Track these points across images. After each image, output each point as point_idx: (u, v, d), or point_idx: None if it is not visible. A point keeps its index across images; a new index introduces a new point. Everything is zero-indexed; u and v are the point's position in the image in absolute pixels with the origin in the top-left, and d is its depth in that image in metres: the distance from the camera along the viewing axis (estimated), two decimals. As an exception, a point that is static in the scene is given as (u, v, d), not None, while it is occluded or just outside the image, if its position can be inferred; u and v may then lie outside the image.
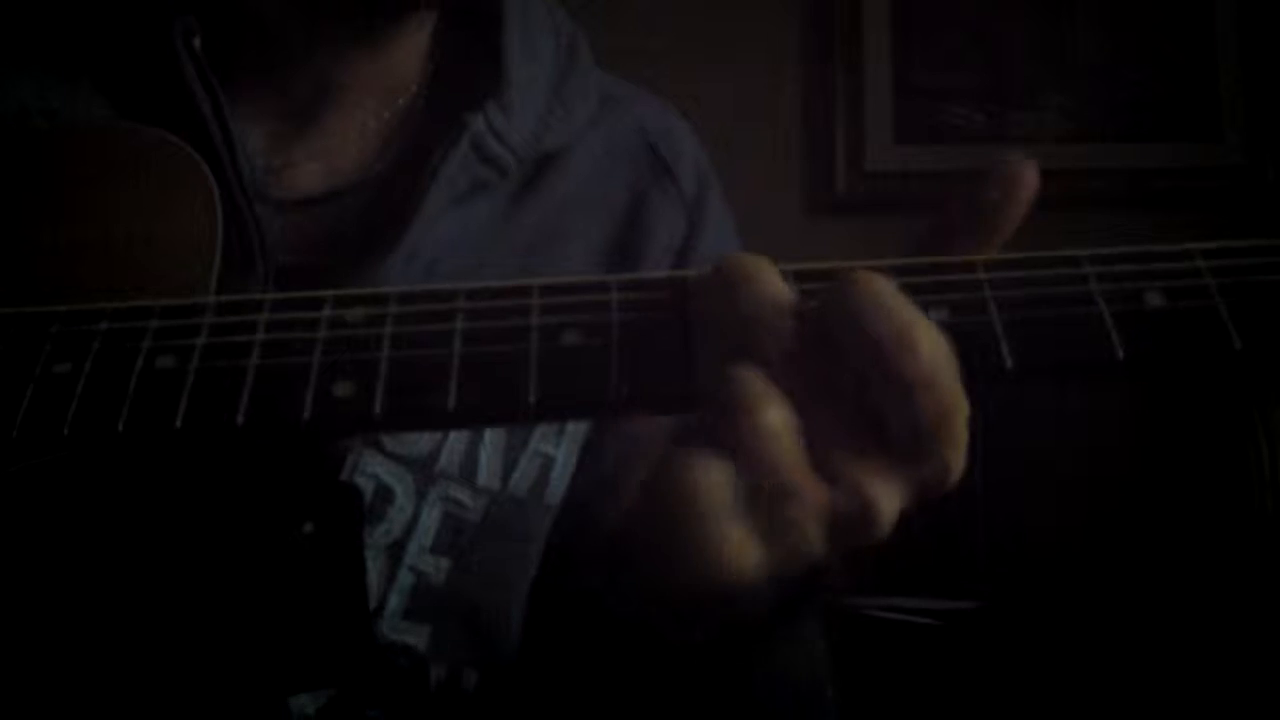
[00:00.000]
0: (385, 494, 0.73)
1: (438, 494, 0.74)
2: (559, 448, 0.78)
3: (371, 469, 0.72)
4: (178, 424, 0.50)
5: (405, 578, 0.74)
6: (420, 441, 0.73)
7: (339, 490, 0.61)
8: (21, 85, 0.72)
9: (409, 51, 0.80)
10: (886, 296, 0.48)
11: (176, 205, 0.64)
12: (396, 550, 0.73)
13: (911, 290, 0.49)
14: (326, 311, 0.52)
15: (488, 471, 0.76)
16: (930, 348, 0.47)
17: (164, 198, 0.64)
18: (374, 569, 0.72)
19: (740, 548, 0.47)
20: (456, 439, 0.74)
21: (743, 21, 2.20)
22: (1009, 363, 0.49)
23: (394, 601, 0.73)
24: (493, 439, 0.76)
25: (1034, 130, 2.16)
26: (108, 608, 0.56)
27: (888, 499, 0.48)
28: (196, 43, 0.73)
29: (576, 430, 0.79)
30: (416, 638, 0.75)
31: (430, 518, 0.74)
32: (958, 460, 0.48)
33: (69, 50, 0.74)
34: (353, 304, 0.52)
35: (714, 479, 0.47)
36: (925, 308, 0.49)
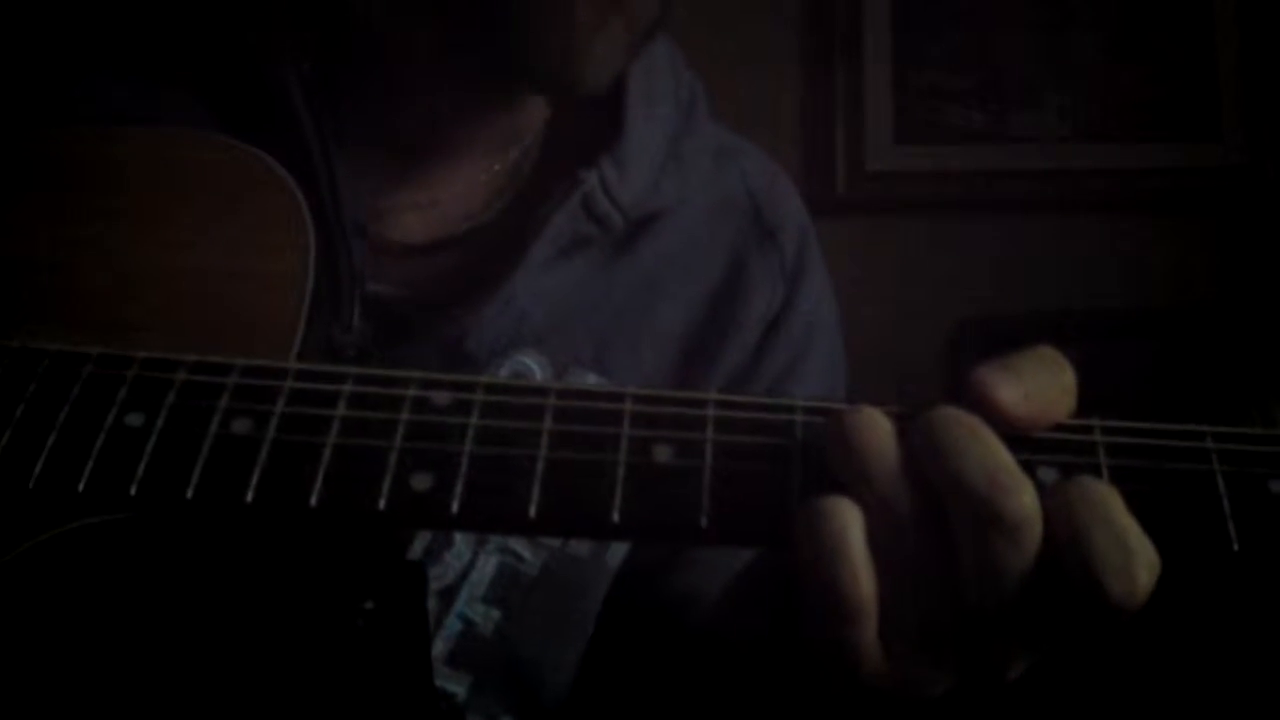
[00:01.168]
0: (444, 539, 0.72)
1: (496, 544, 0.73)
2: None
3: None
4: (248, 499, 0.49)
5: (453, 624, 0.73)
6: None
7: (404, 568, 0.59)
8: (119, 91, 0.69)
9: (528, 111, 0.78)
10: (990, 444, 0.45)
11: (267, 236, 0.61)
12: (449, 595, 0.72)
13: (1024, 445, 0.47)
14: (411, 391, 0.50)
15: None
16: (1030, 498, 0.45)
17: (254, 226, 0.61)
18: None
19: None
20: None
21: (743, 22, 2.18)
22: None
23: (439, 647, 0.73)
24: None
25: (1034, 130, 2.16)
26: (166, 678, 0.55)
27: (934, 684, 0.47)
28: (306, 67, 0.70)
29: None
30: (457, 685, 0.74)
31: (487, 567, 0.73)
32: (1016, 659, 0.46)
33: (174, 59, 0.71)
34: (440, 387, 0.51)
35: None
36: (1033, 466, 0.46)
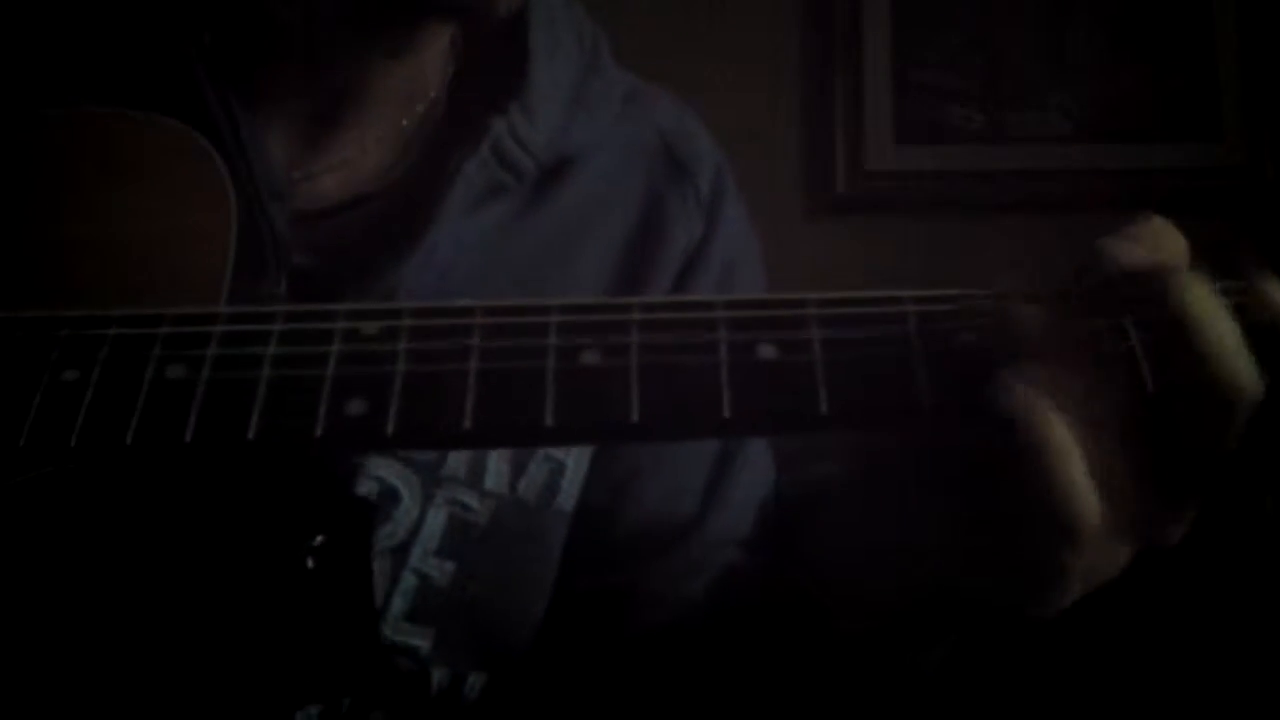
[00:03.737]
0: (391, 496, 0.72)
1: (444, 497, 0.74)
2: (569, 453, 0.78)
3: (378, 471, 0.72)
4: (187, 437, 0.50)
5: (409, 580, 0.74)
6: None
7: (351, 503, 0.60)
8: (32, 91, 0.70)
9: (430, 57, 0.79)
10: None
11: (189, 202, 0.63)
12: (401, 553, 0.73)
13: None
14: (341, 324, 0.52)
15: (496, 476, 0.75)
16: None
17: (176, 194, 0.63)
18: (378, 571, 0.72)
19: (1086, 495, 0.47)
20: None
21: (743, 22, 2.19)
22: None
23: (397, 604, 0.73)
24: None
25: (1034, 130, 2.16)
26: (114, 619, 0.55)
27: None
28: (206, 38, 0.71)
29: None
30: (420, 640, 0.75)
31: (436, 520, 0.74)
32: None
33: (80, 55, 0.72)
34: (367, 317, 0.52)
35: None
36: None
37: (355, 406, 0.49)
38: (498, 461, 0.75)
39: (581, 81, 0.81)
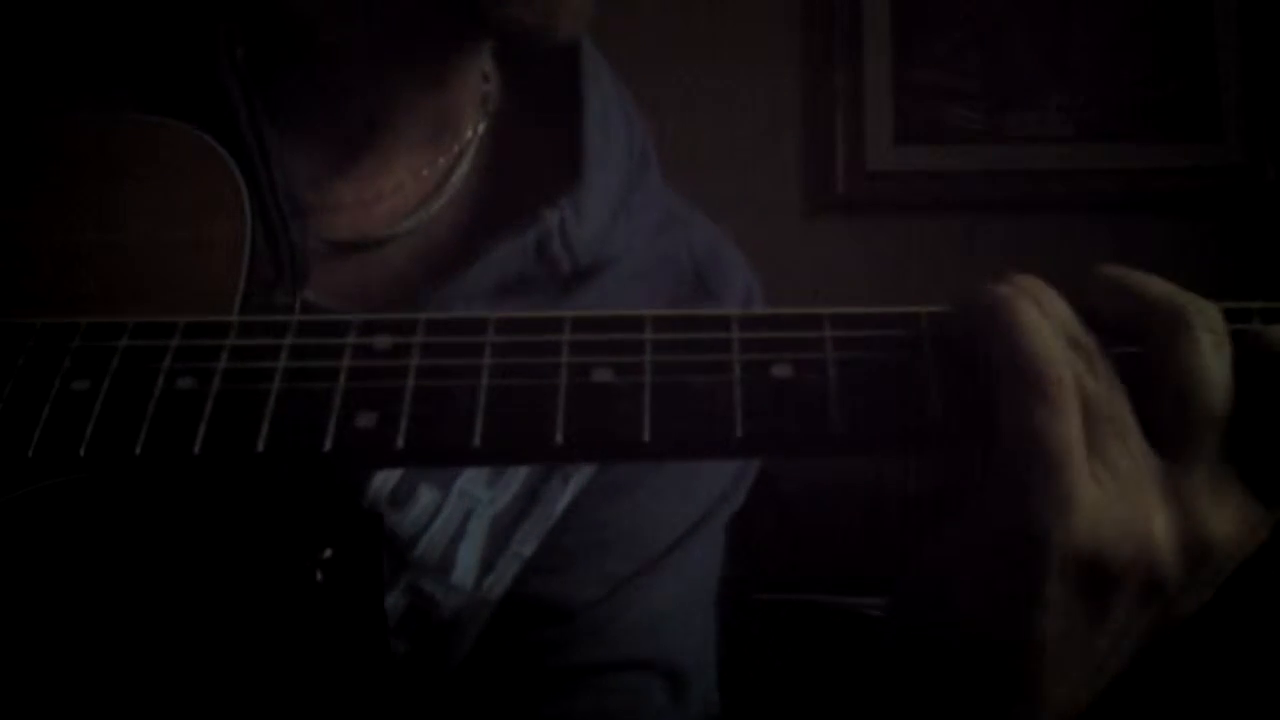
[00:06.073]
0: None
1: (407, 582, 0.72)
2: (534, 547, 0.75)
3: None
4: (196, 449, 0.49)
5: None
6: (403, 522, 0.71)
7: (360, 516, 0.60)
8: (53, 96, 0.69)
9: (459, 100, 0.77)
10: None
11: (201, 209, 0.62)
12: None
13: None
14: (352, 338, 0.51)
15: (464, 570, 0.73)
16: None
17: (189, 200, 0.62)
18: None
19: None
20: (439, 531, 0.72)
21: (743, 21, 2.19)
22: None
23: None
24: (474, 536, 0.73)
25: (1034, 130, 2.16)
26: (121, 631, 0.55)
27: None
28: (240, 52, 0.70)
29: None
30: None
31: (395, 603, 0.71)
32: None
33: (107, 61, 0.71)
34: (380, 330, 0.51)
35: None
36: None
37: (365, 420, 0.49)
38: (467, 555, 0.73)
39: (628, 190, 0.79)
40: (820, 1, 2.22)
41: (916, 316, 0.51)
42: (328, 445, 0.49)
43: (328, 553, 0.56)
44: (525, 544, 0.74)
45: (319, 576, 0.56)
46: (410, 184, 0.76)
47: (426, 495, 0.71)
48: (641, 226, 0.79)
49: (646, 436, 0.48)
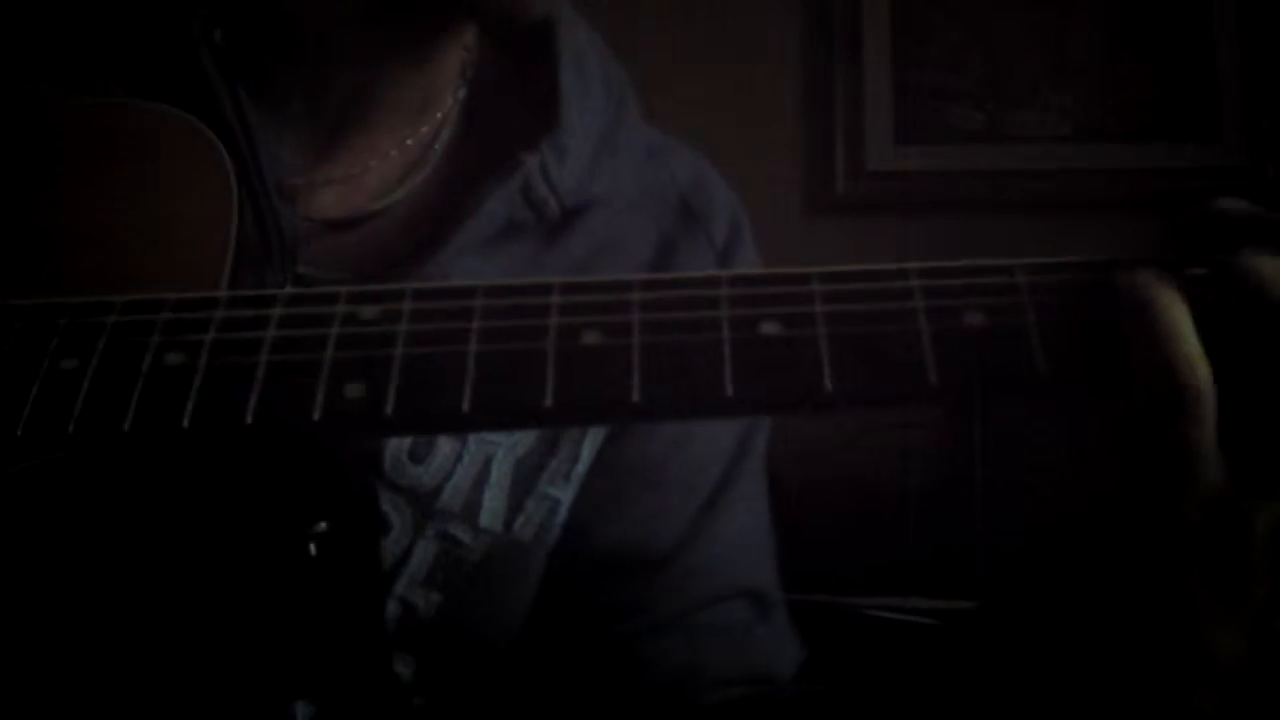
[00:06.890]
0: (382, 524, 0.71)
1: (435, 530, 0.73)
2: (565, 490, 0.76)
3: None
4: (185, 424, 0.49)
5: (393, 608, 0.72)
6: (425, 475, 0.72)
7: (354, 488, 0.59)
8: (39, 83, 0.69)
9: (442, 71, 0.77)
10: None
11: (189, 189, 0.62)
12: (385, 579, 0.72)
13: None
14: (340, 308, 0.51)
15: (491, 513, 0.74)
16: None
17: (178, 180, 0.62)
18: None
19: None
20: (462, 477, 0.73)
21: (743, 21, 2.20)
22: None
23: None
24: (499, 480, 0.74)
25: (1034, 130, 2.16)
26: (113, 607, 0.55)
27: None
28: (217, 35, 0.71)
29: (584, 472, 0.77)
30: (403, 667, 0.73)
31: (425, 552, 0.73)
32: None
33: (91, 48, 0.72)
34: (368, 300, 0.51)
35: None
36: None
37: (353, 389, 0.49)
38: (494, 499, 0.74)
39: (609, 129, 0.80)
40: (820, 1, 2.22)
41: (907, 281, 0.50)
42: (317, 414, 0.49)
43: (322, 526, 0.56)
44: (554, 485, 0.76)
45: (313, 550, 0.56)
46: (395, 156, 0.77)
47: (446, 446, 0.72)
48: (624, 165, 0.81)
49: (636, 397, 0.48)
